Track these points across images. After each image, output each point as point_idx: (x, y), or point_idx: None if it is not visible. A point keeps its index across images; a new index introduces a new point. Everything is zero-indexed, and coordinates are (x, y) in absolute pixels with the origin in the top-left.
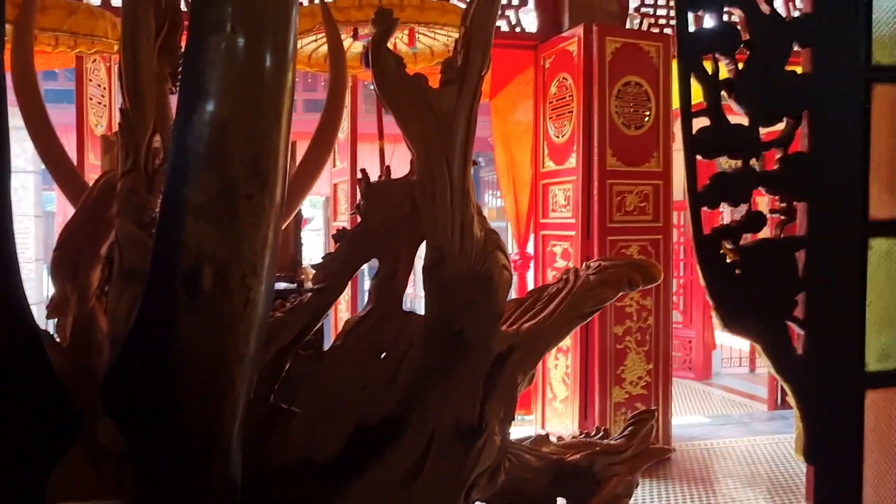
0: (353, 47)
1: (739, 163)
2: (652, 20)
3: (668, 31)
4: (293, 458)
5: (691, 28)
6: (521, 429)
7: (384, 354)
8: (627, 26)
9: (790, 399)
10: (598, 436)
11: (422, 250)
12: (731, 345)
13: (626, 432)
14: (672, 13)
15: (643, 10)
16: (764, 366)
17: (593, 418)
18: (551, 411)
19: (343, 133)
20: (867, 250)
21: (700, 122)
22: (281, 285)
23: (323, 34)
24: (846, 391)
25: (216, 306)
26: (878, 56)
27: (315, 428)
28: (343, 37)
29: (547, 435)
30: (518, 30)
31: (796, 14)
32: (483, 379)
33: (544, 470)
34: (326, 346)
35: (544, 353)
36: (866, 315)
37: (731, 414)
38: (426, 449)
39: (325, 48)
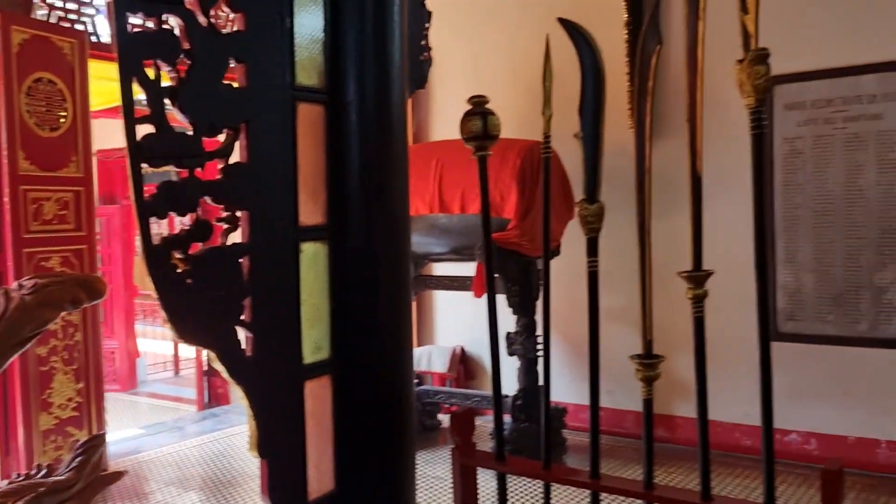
0: None
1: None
2: (62, 13)
3: (80, 26)
4: None
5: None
6: None
7: None
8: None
9: (242, 397)
10: (41, 474)
11: None
12: (156, 351)
13: (73, 464)
14: (84, 9)
15: (50, 0)
16: (190, 367)
17: (17, 452)
18: None
19: None
20: (299, 254)
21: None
22: None
23: None
24: (289, 385)
25: None
26: (300, 77)
27: None
28: None
29: None
30: None
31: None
32: None
33: None
34: None
35: None
36: (301, 313)
37: (164, 421)
38: None
39: None
